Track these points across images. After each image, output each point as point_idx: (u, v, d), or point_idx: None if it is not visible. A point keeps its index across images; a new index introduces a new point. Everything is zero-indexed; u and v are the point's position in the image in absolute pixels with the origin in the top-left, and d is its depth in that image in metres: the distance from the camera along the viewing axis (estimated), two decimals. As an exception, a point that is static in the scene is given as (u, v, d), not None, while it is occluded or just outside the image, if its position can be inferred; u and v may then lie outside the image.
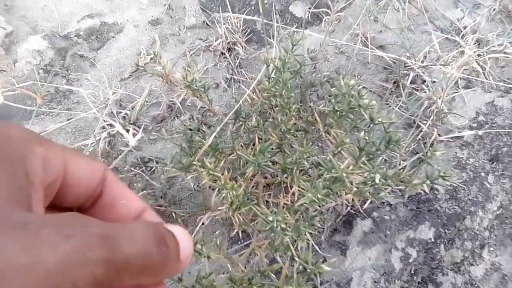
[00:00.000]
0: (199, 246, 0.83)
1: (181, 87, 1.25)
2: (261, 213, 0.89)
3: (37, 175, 0.34)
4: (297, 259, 0.86)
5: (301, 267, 0.88)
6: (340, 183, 0.91)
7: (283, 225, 0.89)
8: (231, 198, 0.92)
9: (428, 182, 0.94)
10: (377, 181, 0.93)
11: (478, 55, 1.74)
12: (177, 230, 0.39)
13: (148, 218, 0.43)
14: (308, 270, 0.83)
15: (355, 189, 0.97)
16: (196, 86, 1.22)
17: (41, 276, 0.27)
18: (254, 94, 1.33)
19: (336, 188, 0.93)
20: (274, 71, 1.10)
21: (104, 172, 0.41)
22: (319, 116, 1.23)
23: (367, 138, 1.00)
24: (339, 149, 1.06)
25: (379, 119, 1.00)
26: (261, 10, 1.45)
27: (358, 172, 0.93)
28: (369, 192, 1.01)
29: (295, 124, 1.21)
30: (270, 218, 0.86)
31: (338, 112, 1.05)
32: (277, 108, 1.13)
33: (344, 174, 0.88)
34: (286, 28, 1.84)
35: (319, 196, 0.86)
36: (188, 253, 0.39)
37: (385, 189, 1.02)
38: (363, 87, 1.73)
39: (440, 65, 1.68)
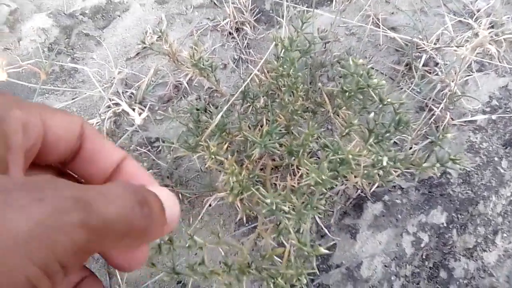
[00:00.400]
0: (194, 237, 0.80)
1: (188, 65, 1.22)
2: (262, 195, 0.86)
3: (15, 139, 0.32)
4: (292, 241, 0.83)
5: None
6: (347, 165, 0.88)
7: (285, 208, 0.86)
8: (232, 183, 0.89)
9: (438, 165, 0.90)
10: (384, 163, 0.90)
11: (492, 36, 1.70)
12: (161, 191, 0.37)
13: (128, 166, 0.42)
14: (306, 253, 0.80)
15: (364, 171, 0.94)
16: (203, 65, 1.19)
17: (12, 243, 0.24)
18: (262, 74, 1.30)
19: (342, 171, 0.90)
20: (283, 50, 1.07)
21: (81, 126, 0.39)
22: (328, 97, 1.20)
23: (376, 119, 0.97)
24: (347, 130, 1.03)
25: (389, 100, 0.96)
26: (270, -12, 1.42)
27: (365, 154, 0.90)
28: (378, 175, 0.98)
29: (302, 105, 1.18)
30: (268, 201, 0.83)
31: (346, 93, 1.02)
32: (284, 88, 1.10)
33: (350, 156, 0.85)
34: (296, 7, 1.80)
35: (323, 177, 0.83)
36: (174, 215, 0.37)
37: (395, 171, 0.99)
38: (375, 69, 1.69)
39: (454, 46, 1.64)
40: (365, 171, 0.95)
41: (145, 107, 1.48)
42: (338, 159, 0.88)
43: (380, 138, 1.00)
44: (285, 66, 1.05)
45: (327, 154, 0.90)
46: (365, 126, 0.99)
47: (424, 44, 1.68)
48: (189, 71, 1.41)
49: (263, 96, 1.25)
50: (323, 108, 1.24)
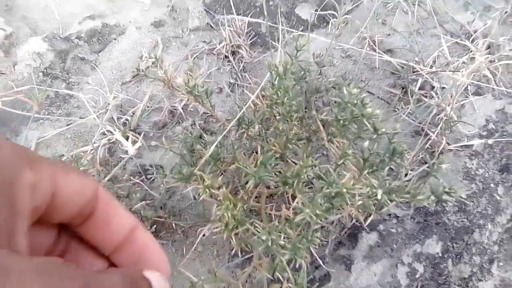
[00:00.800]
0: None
1: (183, 92, 1.22)
2: (257, 231, 0.86)
3: (24, 205, 0.32)
4: (291, 285, 0.82)
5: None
6: (341, 197, 0.88)
7: (281, 242, 0.86)
8: (227, 218, 0.89)
9: (432, 198, 0.90)
10: (379, 197, 0.90)
11: (490, 61, 1.69)
12: (155, 279, 0.38)
13: (140, 237, 0.43)
14: None
15: (358, 202, 0.93)
16: (198, 92, 1.19)
17: None
18: (258, 99, 1.29)
19: (336, 203, 0.89)
20: (277, 78, 1.07)
21: (95, 191, 0.39)
22: (322, 125, 1.20)
23: (370, 149, 0.96)
24: (342, 160, 1.02)
25: (383, 130, 0.96)
26: (265, 13, 1.41)
27: (359, 187, 0.89)
28: (373, 205, 0.97)
29: (296, 134, 1.17)
30: (264, 238, 0.82)
31: (341, 121, 1.01)
32: (279, 117, 1.10)
33: (344, 190, 0.85)
34: (291, 31, 1.80)
35: (317, 212, 0.83)
36: None
37: (391, 201, 0.98)
38: (370, 93, 1.68)
39: (450, 71, 1.63)
40: (360, 202, 0.94)
41: (139, 134, 1.48)
42: (332, 192, 0.88)
43: (375, 167, 0.99)
44: (279, 94, 1.04)
45: (322, 187, 0.90)
46: (360, 155, 0.99)
47: (420, 68, 1.67)
48: (184, 97, 1.41)
49: (258, 124, 1.25)
50: (317, 135, 1.23)
